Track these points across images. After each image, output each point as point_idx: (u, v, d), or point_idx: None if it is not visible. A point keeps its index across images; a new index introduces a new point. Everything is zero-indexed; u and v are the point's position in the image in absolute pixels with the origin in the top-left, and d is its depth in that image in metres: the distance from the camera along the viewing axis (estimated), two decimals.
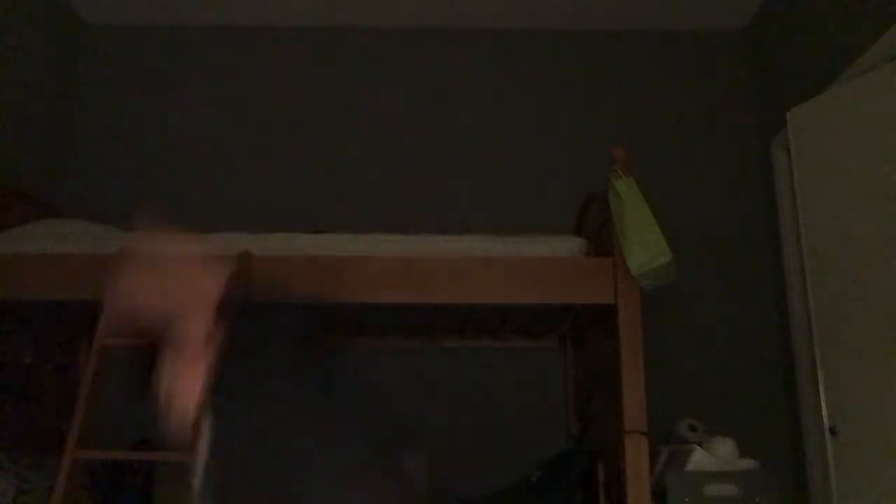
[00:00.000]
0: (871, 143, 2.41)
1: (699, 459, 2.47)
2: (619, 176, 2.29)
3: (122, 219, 3.46)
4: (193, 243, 0.89)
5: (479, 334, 3.25)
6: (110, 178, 3.55)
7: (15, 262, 2.33)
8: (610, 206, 2.32)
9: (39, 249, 2.39)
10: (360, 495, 0.84)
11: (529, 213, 3.49)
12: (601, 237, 2.48)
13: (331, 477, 0.83)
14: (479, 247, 2.38)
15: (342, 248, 2.38)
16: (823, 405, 2.47)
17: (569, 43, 3.73)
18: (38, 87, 3.34)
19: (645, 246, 2.19)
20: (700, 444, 2.56)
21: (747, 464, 2.52)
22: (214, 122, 3.63)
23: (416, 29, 3.76)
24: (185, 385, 0.85)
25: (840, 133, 2.53)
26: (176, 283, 0.87)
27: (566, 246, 2.40)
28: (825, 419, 2.45)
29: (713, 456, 2.49)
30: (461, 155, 3.58)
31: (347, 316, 2.76)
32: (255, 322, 0.88)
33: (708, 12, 3.60)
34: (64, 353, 3.19)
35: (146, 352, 0.90)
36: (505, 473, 3.18)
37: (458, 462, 3.20)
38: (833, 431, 2.42)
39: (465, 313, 2.70)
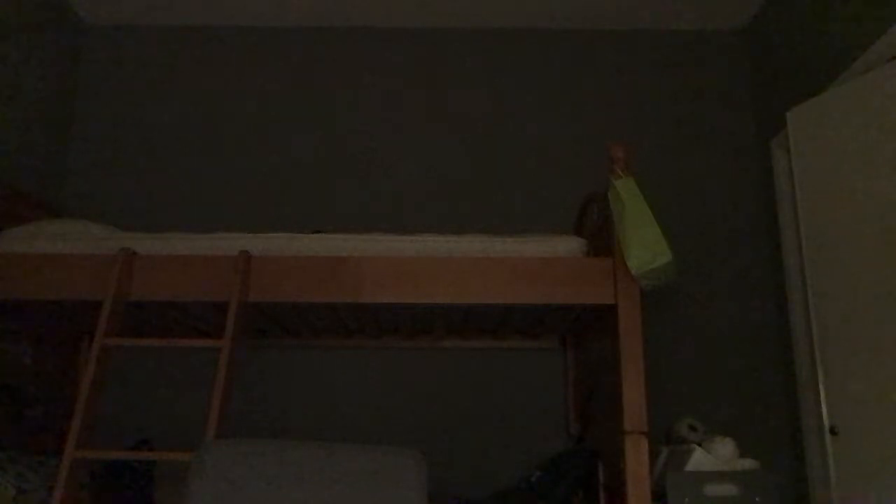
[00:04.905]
0: (871, 142, 2.41)
1: (699, 459, 2.47)
2: (618, 176, 2.29)
3: (122, 219, 3.48)
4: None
5: (479, 334, 3.25)
6: (110, 178, 3.56)
7: (15, 262, 2.33)
8: (610, 206, 2.32)
9: (39, 249, 2.40)
10: None
11: (529, 213, 3.49)
12: (601, 237, 2.48)
13: None
14: (479, 247, 2.38)
15: (342, 248, 2.38)
16: (823, 405, 2.47)
17: (569, 43, 3.74)
18: (38, 87, 3.34)
19: (645, 246, 2.19)
20: (700, 444, 2.56)
21: (747, 464, 2.52)
22: (214, 122, 3.63)
23: (416, 29, 3.76)
24: None
25: (840, 133, 2.53)
26: None
27: (566, 246, 2.40)
28: (825, 419, 2.46)
29: (713, 456, 2.49)
30: (461, 155, 3.58)
31: (347, 316, 2.76)
32: None
33: (708, 12, 3.60)
34: (64, 353, 3.20)
35: None
36: (505, 473, 3.19)
37: (458, 462, 3.20)
38: (833, 431, 2.42)
39: (465, 313, 2.70)
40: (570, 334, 3.23)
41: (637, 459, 2.12)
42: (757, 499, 2.39)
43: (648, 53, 3.71)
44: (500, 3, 3.56)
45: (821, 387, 2.49)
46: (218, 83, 3.69)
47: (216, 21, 3.73)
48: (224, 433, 2.14)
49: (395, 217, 3.50)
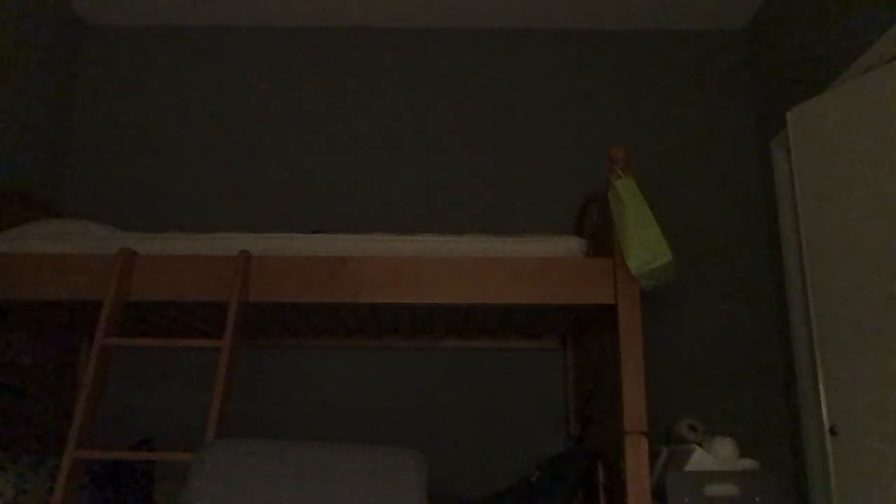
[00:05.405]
0: (871, 142, 2.41)
1: (699, 459, 2.47)
2: (618, 176, 2.29)
3: (122, 219, 3.48)
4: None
5: (479, 334, 3.25)
6: (110, 178, 3.56)
7: (15, 262, 2.33)
8: (610, 206, 2.32)
9: (39, 249, 2.40)
10: None
11: (529, 213, 3.50)
12: (601, 237, 2.48)
13: None
14: (479, 247, 2.38)
15: (341, 248, 2.38)
16: (823, 405, 2.47)
17: (569, 43, 3.74)
18: (38, 87, 3.34)
19: (645, 246, 2.19)
20: (700, 444, 2.56)
21: (747, 464, 2.52)
22: (214, 122, 3.63)
23: (416, 29, 3.76)
24: None
25: (840, 133, 2.53)
26: None
27: (566, 246, 2.40)
28: (825, 419, 2.46)
29: (713, 456, 2.49)
30: (461, 155, 3.58)
31: (347, 316, 2.76)
32: None
33: (708, 12, 3.60)
34: (64, 353, 3.20)
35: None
36: (505, 473, 3.19)
37: (459, 462, 3.20)
38: (833, 431, 2.42)
39: (465, 313, 2.70)
40: (570, 334, 3.23)
41: (637, 459, 2.12)
42: (757, 499, 2.40)
43: (648, 53, 3.71)
44: (500, 3, 3.56)
45: (821, 387, 2.49)
46: (218, 83, 3.69)
47: (216, 21, 3.73)
48: (224, 433, 2.14)
49: (395, 217, 3.50)
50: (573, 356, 3.22)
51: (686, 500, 2.38)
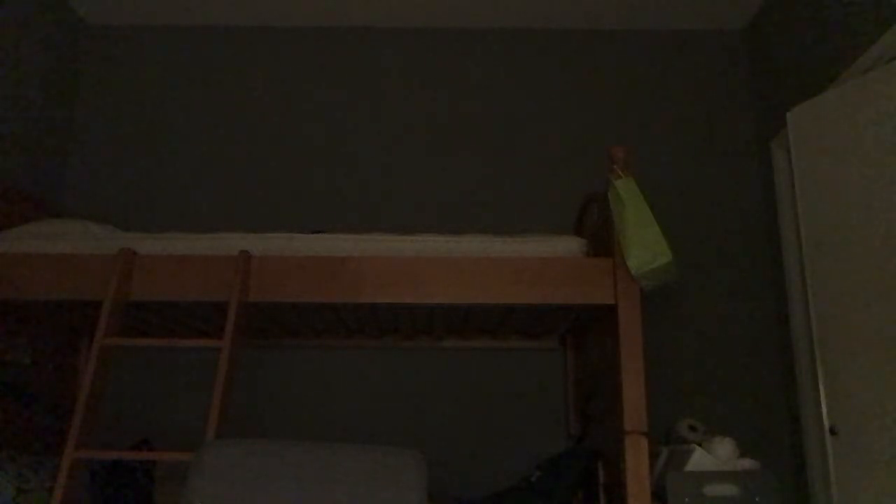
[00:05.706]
0: (871, 143, 2.41)
1: (699, 459, 2.47)
2: (618, 176, 2.29)
3: (122, 219, 3.48)
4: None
5: (479, 334, 3.25)
6: (110, 178, 3.56)
7: (15, 262, 2.33)
8: (610, 206, 2.32)
9: (39, 249, 2.40)
10: None
11: (529, 213, 3.50)
12: (601, 237, 2.48)
13: None
14: (479, 247, 2.38)
15: (341, 248, 2.38)
16: (823, 405, 2.47)
17: (569, 43, 3.74)
18: (38, 87, 3.34)
19: (645, 246, 2.19)
20: (700, 444, 2.56)
21: (747, 464, 2.52)
22: (214, 123, 3.63)
23: (416, 29, 3.76)
24: None
25: (840, 133, 2.53)
26: None
27: (566, 246, 2.40)
28: (825, 419, 2.45)
29: (713, 456, 2.49)
30: (461, 155, 3.58)
31: (347, 316, 2.76)
32: None
33: (708, 12, 3.60)
34: (64, 353, 3.20)
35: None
36: (505, 473, 3.19)
37: (458, 462, 3.20)
38: (833, 431, 2.42)
39: (465, 313, 2.70)
40: (570, 334, 3.23)
41: (637, 459, 2.12)
42: (757, 499, 2.39)
43: (648, 53, 3.71)
44: (500, 3, 3.56)
45: (821, 387, 2.49)
46: (218, 83, 3.69)
47: (216, 21, 3.73)
48: (224, 433, 2.14)
49: (395, 217, 3.50)
50: (573, 356, 3.21)
51: (686, 500, 2.38)
